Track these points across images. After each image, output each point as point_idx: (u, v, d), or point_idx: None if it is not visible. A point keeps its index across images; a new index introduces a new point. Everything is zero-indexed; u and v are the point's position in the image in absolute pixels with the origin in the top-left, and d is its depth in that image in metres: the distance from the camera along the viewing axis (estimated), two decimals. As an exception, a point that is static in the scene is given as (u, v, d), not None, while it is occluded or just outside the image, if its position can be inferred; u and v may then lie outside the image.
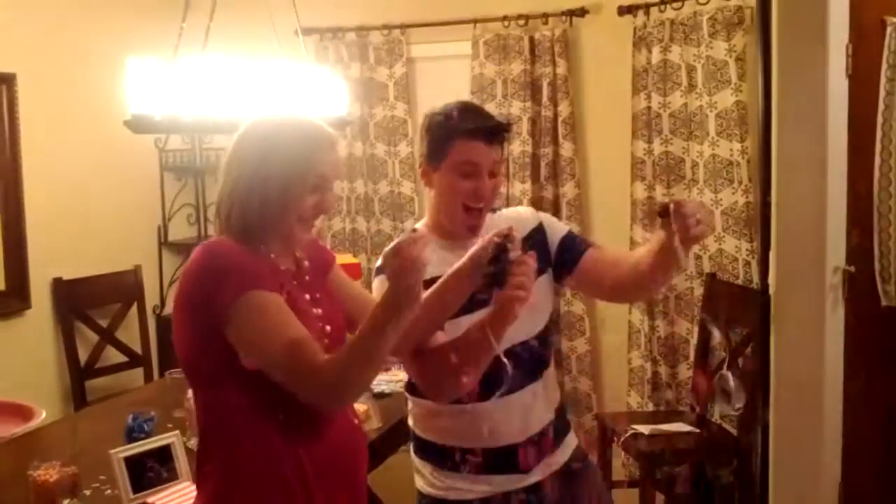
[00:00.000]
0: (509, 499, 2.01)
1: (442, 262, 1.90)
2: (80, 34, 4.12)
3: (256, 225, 1.65)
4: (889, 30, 3.15)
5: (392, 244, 1.58)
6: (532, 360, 2.06)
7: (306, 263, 1.80)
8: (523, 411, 2.02)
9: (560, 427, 2.12)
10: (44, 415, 1.66)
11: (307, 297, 1.73)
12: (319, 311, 1.74)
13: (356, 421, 1.85)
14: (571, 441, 2.16)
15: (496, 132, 1.99)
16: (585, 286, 2.31)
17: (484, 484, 2.00)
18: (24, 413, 1.57)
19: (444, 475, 2.04)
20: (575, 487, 2.11)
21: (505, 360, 1.84)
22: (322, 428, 1.68)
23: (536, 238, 2.10)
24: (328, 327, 1.73)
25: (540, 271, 2.01)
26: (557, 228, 2.16)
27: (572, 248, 2.12)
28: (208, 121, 2.67)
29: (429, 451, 2.07)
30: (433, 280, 1.86)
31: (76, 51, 4.10)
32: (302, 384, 1.56)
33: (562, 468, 2.09)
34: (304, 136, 1.68)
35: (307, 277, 1.78)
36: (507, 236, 1.77)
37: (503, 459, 2.01)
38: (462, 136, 1.95)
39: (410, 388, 2.09)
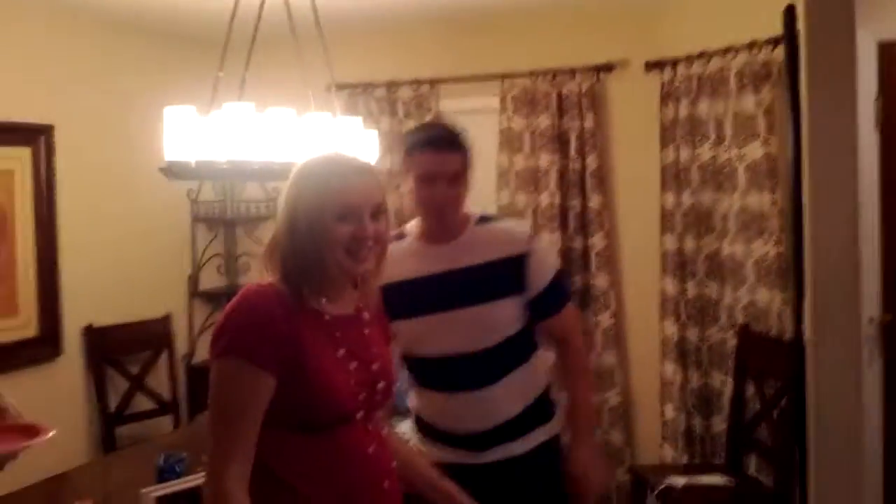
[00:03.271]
0: (464, 471, 2.18)
1: (420, 262, 2.23)
2: (117, 85, 4.23)
3: (295, 264, 1.64)
4: (918, 81, 3.17)
5: None
6: (489, 366, 2.25)
7: (366, 315, 1.77)
8: (485, 406, 2.24)
9: (531, 418, 2.30)
10: (53, 432, 1.69)
11: (342, 351, 1.67)
12: (354, 364, 1.69)
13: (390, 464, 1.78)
14: (541, 435, 2.32)
15: (441, 140, 2.20)
16: (543, 333, 2.42)
17: (444, 452, 2.27)
18: (31, 432, 1.60)
19: (420, 438, 2.39)
20: (530, 477, 2.28)
21: None
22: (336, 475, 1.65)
23: (510, 264, 2.25)
24: (352, 381, 1.68)
25: (503, 294, 2.24)
26: (544, 270, 2.30)
27: (549, 303, 2.33)
28: (244, 167, 2.71)
29: (415, 419, 2.43)
30: (408, 281, 2.18)
31: (113, 102, 4.20)
32: (206, 477, 1.62)
33: (523, 456, 2.27)
34: (328, 166, 1.68)
35: (366, 331, 1.75)
36: None
37: (464, 440, 2.27)
38: (415, 148, 2.21)
39: (415, 381, 2.36)
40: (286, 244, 1.65)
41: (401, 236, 2.31)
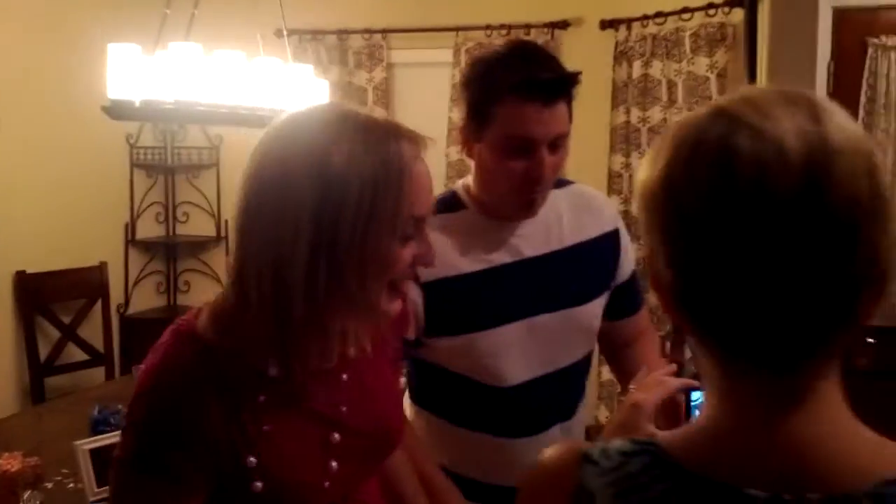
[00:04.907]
0: None
1: (488, 246, 1.53)
2: (57, 21, 4.03)
3: (303, 312, 1.02)
4: (870, 50, 3.20)
5: None
6: (569, 390, 1.67)
7: (350, 351, 1.17)
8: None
9: None
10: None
11: (316, 446, 1.14)
12: (337, 436, 1.16)
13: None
14: None
15: (559, 86, 1.44)
16: (602, 335, 1.73)
17: None
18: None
19: None
20: None
21: None
22: None
23: (605, 245, 1.66)
24: (333, 463, 1.15)
25: (599, 288, 1.64)
26: (629, 257, 1.70)
27: (630, 299, 1.73)
28: (190, 108, 2.61)
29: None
30: (474, 275, 1.50)
31: (53, 39, 4.00)
32: None
33: None
34: (387, 156, 1.03)
35: (362, 377, 1.20)
36: None
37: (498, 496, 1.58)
38: (510, 95, 1.41)
39: (417, 397, 1.68)
40: (300, 279, 1.01)
41: (453, 205, 1.57)
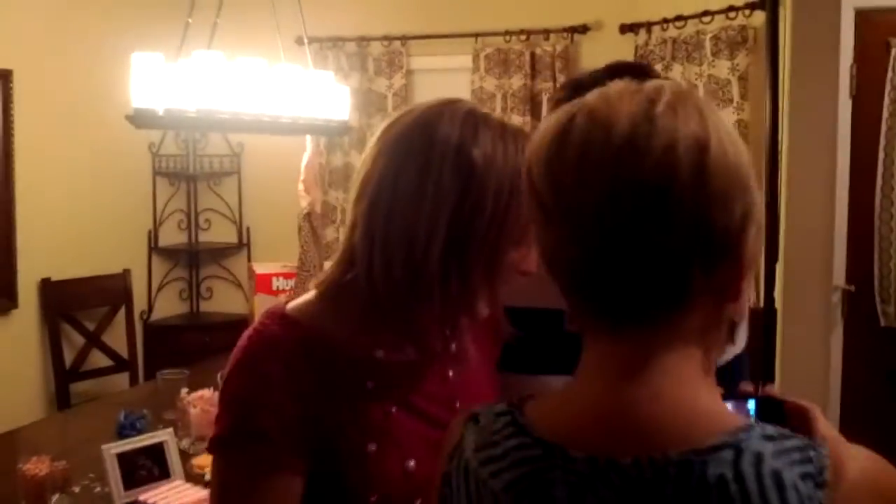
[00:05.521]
0: None
1: (540, 292, 1.24)
2: (80, 31, 4.08)
3: (428, 305, 1.04)
4: (893, 51, 3.17)
5: None
6: None
7: (452, 347, 1.15)
8: None
9: None
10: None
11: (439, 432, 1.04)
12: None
13: None
14: None
15: None
16: None
17: None
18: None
19: None
20: None
21: None
22: None
23: None
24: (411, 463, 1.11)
25: None
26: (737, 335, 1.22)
27: (724, 387, 1.33)
28: (213, 116, 2.63)
29: None
30: (523, 311, 1.27)
31: (76, 48, 4.05)
32: None
33: None
34: (523, 163, 0.97)
35: (449, 373, 1.17)
36: None
37: None
38: None
39: None
40: (420, 263, 1.02)
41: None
